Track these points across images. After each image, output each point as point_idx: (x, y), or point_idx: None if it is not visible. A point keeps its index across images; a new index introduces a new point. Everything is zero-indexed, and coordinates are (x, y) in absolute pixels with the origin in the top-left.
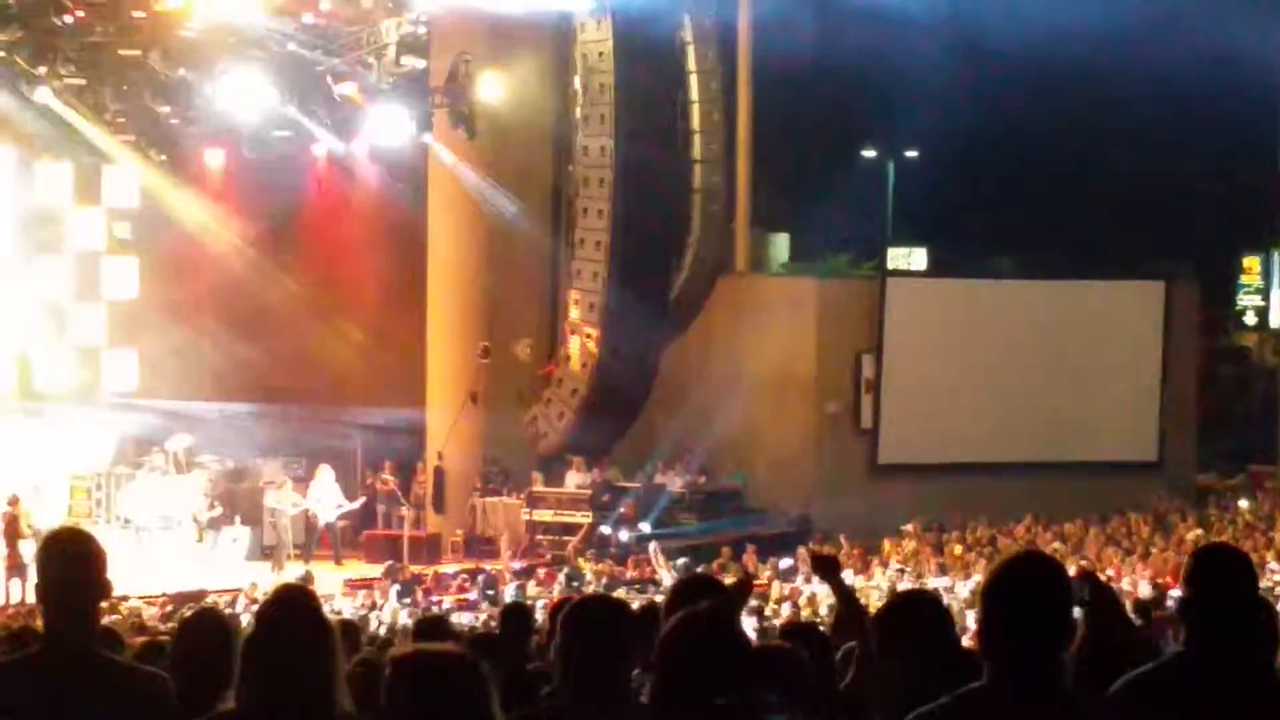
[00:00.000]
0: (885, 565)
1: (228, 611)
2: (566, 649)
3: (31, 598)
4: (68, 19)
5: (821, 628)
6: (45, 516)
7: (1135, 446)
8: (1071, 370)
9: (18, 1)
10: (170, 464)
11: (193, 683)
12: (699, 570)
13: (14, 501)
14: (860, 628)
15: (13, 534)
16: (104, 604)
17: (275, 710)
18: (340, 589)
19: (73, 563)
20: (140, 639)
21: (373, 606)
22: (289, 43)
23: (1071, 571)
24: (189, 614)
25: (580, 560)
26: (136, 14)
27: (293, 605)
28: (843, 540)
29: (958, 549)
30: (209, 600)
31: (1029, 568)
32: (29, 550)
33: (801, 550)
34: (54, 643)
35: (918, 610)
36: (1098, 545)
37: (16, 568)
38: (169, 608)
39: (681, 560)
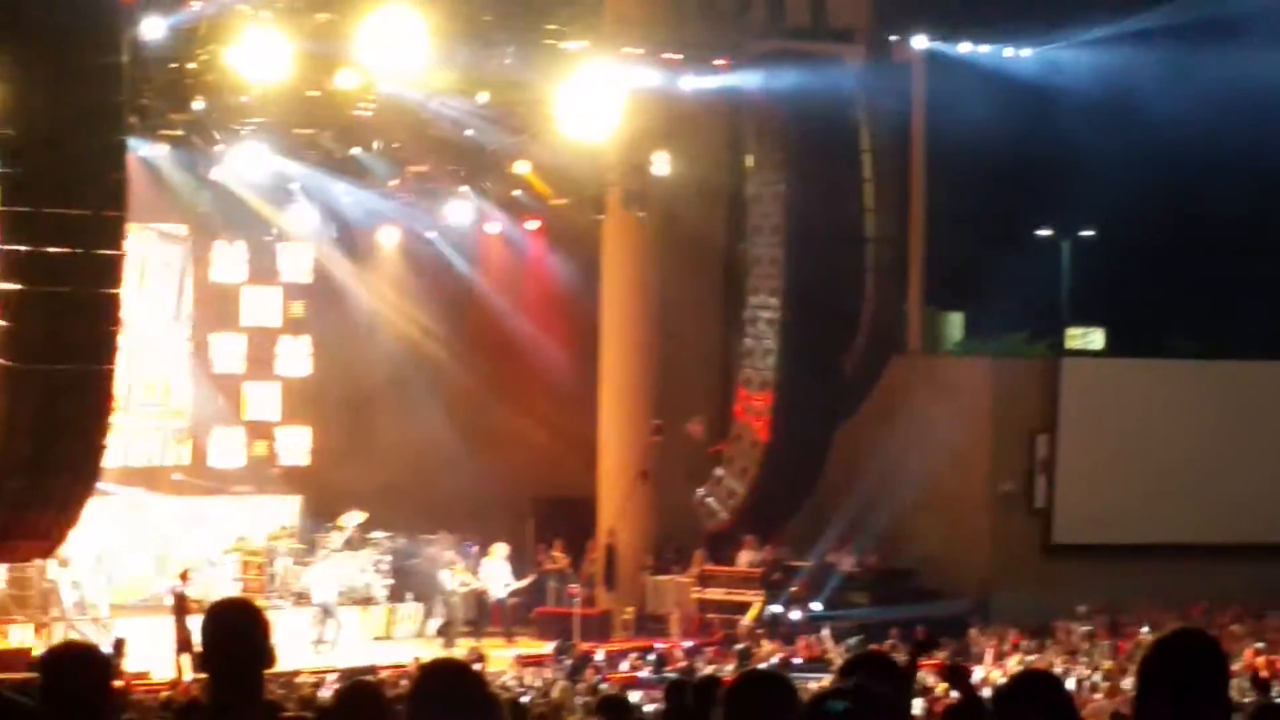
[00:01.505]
0: (1059, 647)
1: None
2: None
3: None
4: (244, 98)
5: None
6: (218, 591)
7: None
8: (1249, 451)
9: (195, 81)
10: (344, 540)
11: None
12: (870, 649)
13: (184, 576)
14: None
15: (182, 609)
16: (268, 672)
17: None
18: (511, 666)
19: (236, 631)
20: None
21: (543, 684)
22: (462, 121)
23: (1247, 656)
24: (345, 686)
25: (751, 639)
26: (311, 93)
27: (445, 677)
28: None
29: (1132, 631)
30: (381, 675)
31: (1185, 644)
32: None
33: (973, 632)
34: (219, 711)
35: (1033, 693)
36: (1277, 629)
37: (186, 643)
38: (339, 684)
39: (853, 640)
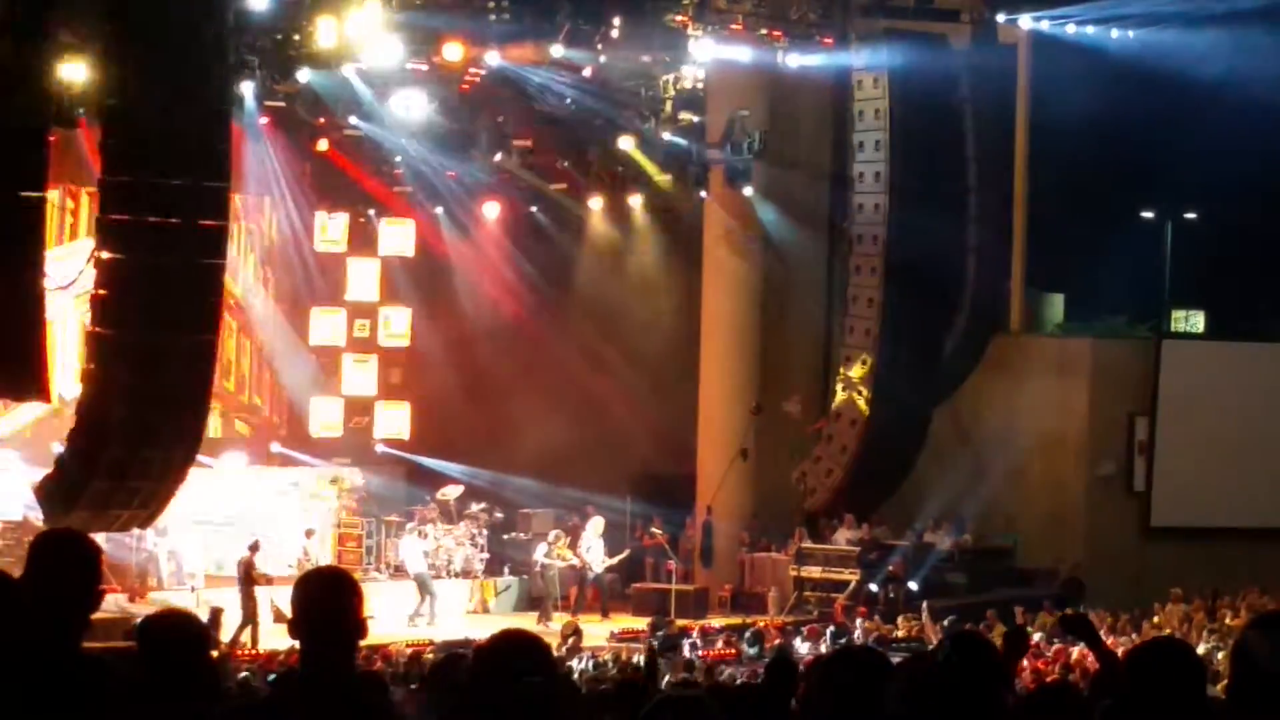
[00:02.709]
0: (1157, 630)
1: None
2: (812, 702)
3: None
4: (347, 70)
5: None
6: (321, 562)
7: None
8: None
9: (299, 53)
10: (441, 514)
11: None
12: (967, 628)
13: (255, 547)
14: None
15: (250, 580)
16: (363, 643)
17: None
18: (607, 641)
19: (328, 600)
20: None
21: (636, 657)
22: (567, 97)
23: None
24: (438, 658)
25: (848, 617)
26: (417, 66)
27: (508, 647)
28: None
29: (1230, 615)
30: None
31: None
32: (261, 597)
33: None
34: (310, 679)
35: (1170, 658)
36: None
37: (252, 614)
38: (434, 655)
39: (949, 619)
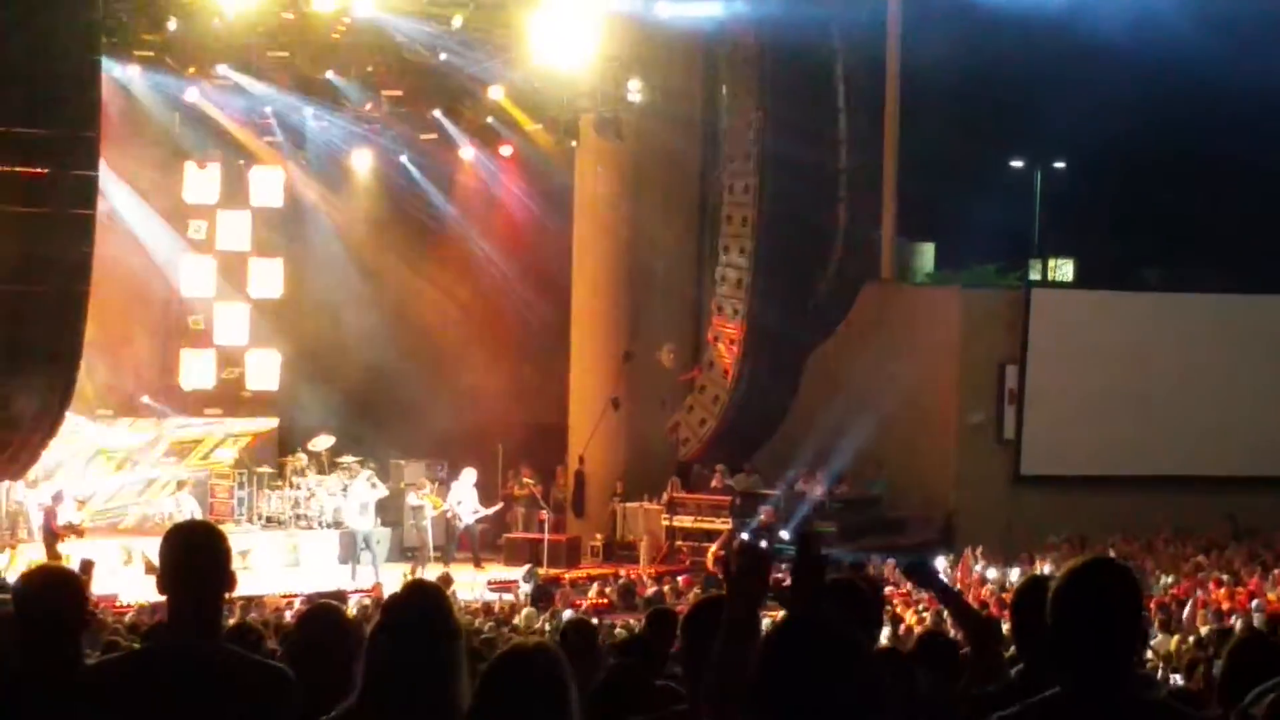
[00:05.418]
0: (1024, 578)
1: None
2: (689, 651)
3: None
4: (217, 20)
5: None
6: (189, 514)
7: None
8: (1218, 384)
9: (169, 1)
10: (313, 464)
11: (309, 677)
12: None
13: (57, 498)
14: (972, 629)
15: (51, 531)
16: (236, 595)
17: (397, 706)
18: (481, 591)
19: (196, 553)
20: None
21: (510, 610)
22: (437, 46)
23: (1211, 589)
24: (309, 609)
25: (719, 567)
26: (286, 15)
27: (420, 601)
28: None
29: None
30: (352, 601)
31: (1099, 574)
32: (65, 551)
33: (940, 561)
34: (177, 633)
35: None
36: (1239, 560)
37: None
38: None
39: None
